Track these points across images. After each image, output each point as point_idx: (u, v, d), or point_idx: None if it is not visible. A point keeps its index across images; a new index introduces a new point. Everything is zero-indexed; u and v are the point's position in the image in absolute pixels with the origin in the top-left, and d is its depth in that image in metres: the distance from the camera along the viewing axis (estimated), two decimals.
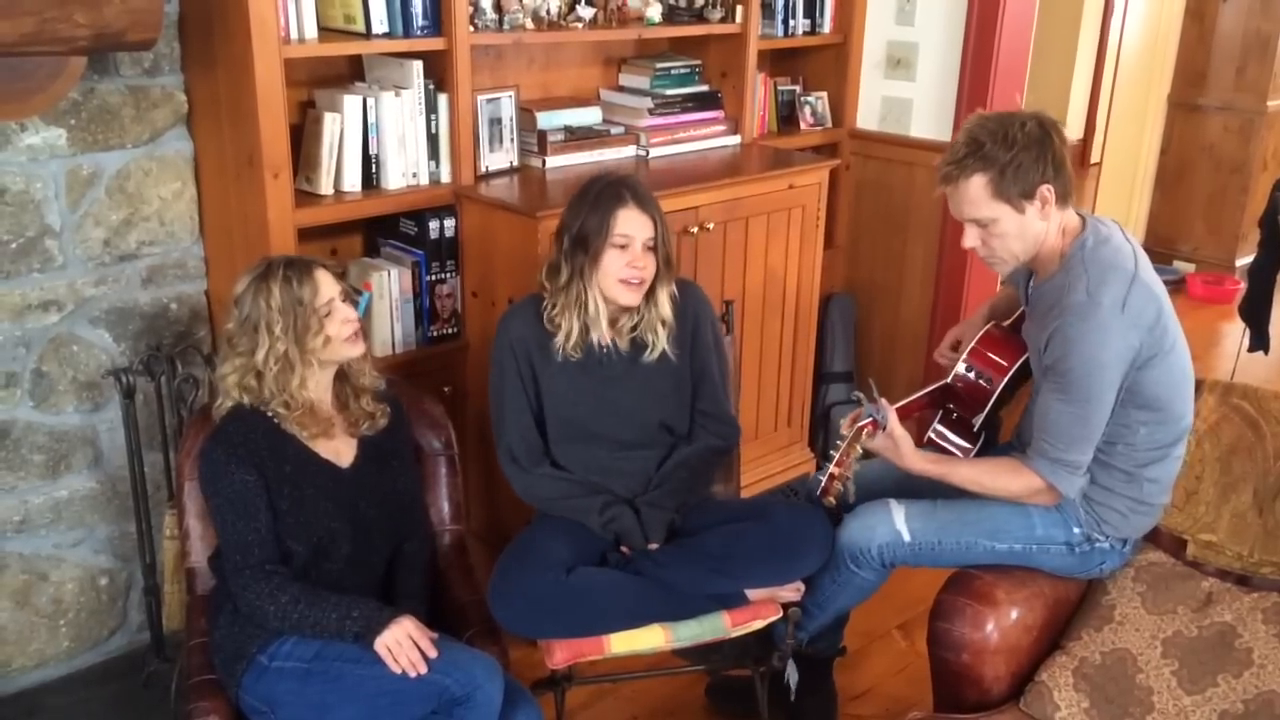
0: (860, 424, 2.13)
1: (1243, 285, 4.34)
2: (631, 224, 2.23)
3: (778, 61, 3.76)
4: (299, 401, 2.02)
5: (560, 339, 2.27)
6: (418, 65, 2.67)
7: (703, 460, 2.41)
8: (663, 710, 2.66)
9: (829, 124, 3.79)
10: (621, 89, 3.32)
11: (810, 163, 3.31)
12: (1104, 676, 2.06)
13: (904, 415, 2.21)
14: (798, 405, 3.53)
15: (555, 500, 2.31)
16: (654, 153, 3.20)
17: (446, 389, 2.81)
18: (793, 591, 2.26)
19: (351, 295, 2.17)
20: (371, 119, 2.66)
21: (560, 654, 2.17)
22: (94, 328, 2.54)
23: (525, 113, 3.00)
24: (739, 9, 3.30)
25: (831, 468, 2.14)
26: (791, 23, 3.57)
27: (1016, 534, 2.19)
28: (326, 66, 2.74)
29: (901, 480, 2.30)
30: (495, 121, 2.89)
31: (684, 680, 2.68)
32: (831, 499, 2.16)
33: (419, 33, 2.63)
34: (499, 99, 2.88)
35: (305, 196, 2.62)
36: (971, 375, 2.27)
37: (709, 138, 3.34)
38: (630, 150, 3.18)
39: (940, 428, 2.34)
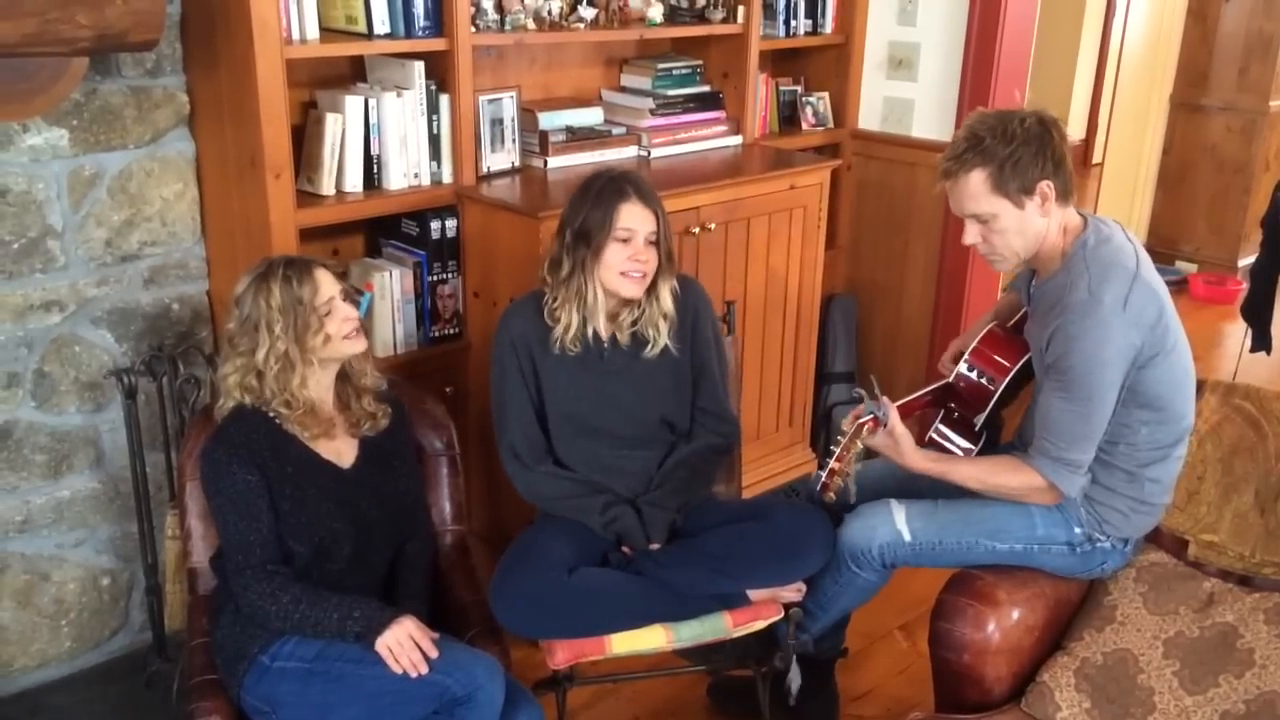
0: (861, 421, 2.12)
1: (1245, 286, 4.33)
2: (634, 218, 2.23)
3: (779, 62, 3.76)
4: (300, 401, 2.02)
5: (559, 331, 2.27)
6: (419, 66, 2.67)
7: (703, 460, 2.41)
8: (664, 710, 2.66)
9: (830, 124, 3.79)
10: (623, 89, 3.32)
11: (812, 163, 3.31)
12: (1105, 677, 2.06)
13: (905, 414, 2.21)
14: (799, 406, 3.53)
15: (557, 499, 2.31)
16: (655, 153, 3.20)
17: (448, 389, 2.81)
18: (794, 592, 2.26)
19: (352, 295, 2.17)
20: (373, 119, 2.66)
21: (562, 654, 2.17)
22: (96, 328, 2.54)
23: (527, 113, 3.00)
24: (740, 9, 3.30)
25: (832, 464, 2.14)
26: (793, 23, 3.57)
27: (1018, 534, 2.19)
28: (328, 67, 2.74)
29: (903, 481, 2.30)
30: (497, 122, 2.89)
31: (685, 680, 2.68)
32: (832, 495, 2.16)
33: (420, 33, 2.64)
34: (500, 99, 2.88)
35: (307, 197, 2.62)
36: (973, 375, 2.27)
37: (710, 138, 3.34)
38: (632, 150, 3.18)
39: (942, 427, 2.34)
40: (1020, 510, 2.18)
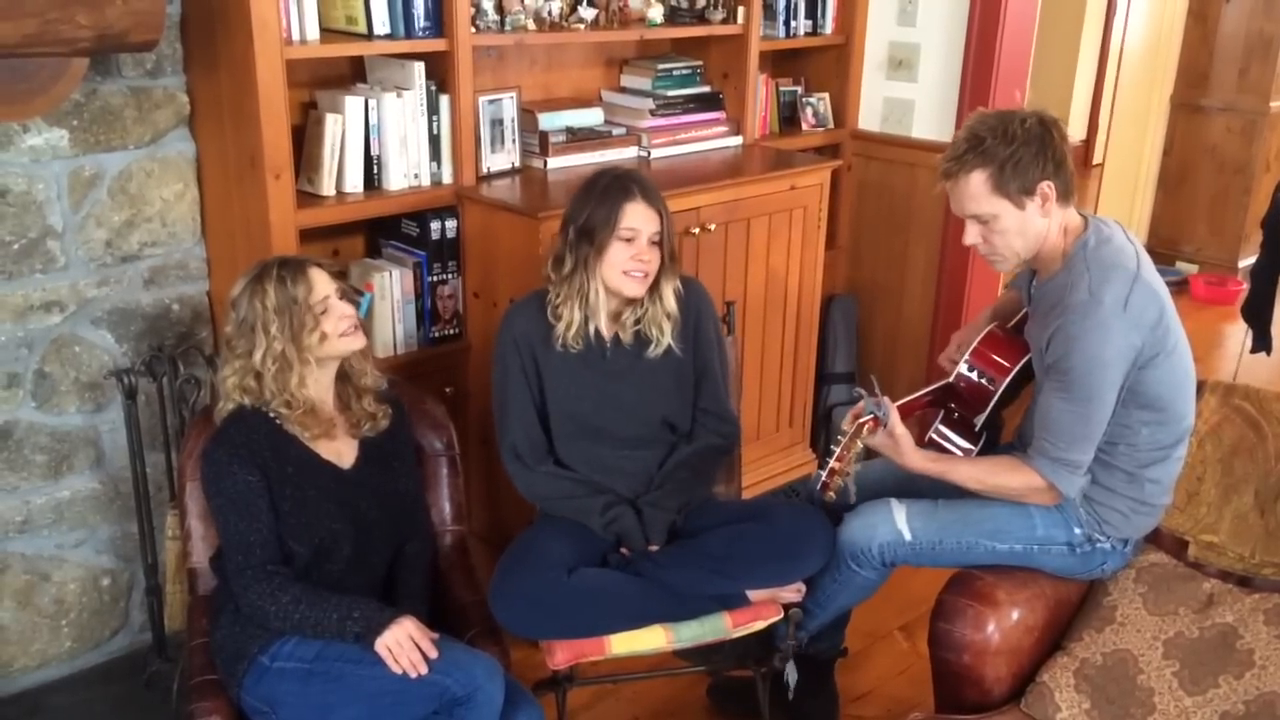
0: (861, 421, 2.12)
1: (1245, 286, 4.33)
2: (638, 218, 2.23)
3: (779, 62, 3.76)
4: (299, 401, 2.02)
5: (561, 328, 2.27)
6: (419, 66, 2.67)
7: (704, 460, 2.41)
8: (664, 711, 2.65)
9: (831, 125, 3.79)
10: (623, 90, 3.32)
11: (812, 164, 3.31)
12: (1105, 677, 2.06)
13: (905, 414, 2.21)
14: (799, 406, 3.53)
15: (557, 499, 2.31)
16: (655, 154, 3.20)
17: (448, 390, 2.81)
18: (794, 592, 2.26)
19: (349, 292, 2.17)
20: (373, 120, 2.66)
21: (561, 654, 2.17)
22: (96, 328, 2.55)
23: (527, 114, 3.00)
24: (740, 10, 3.31)
25: (832, 464, 2.13)
26: (793, 24, 3.57)
27: (1017, 534, 2.19)
28: (328, 67, 2.75)
29: (903, 480, 2.30)
30: (497, 122, 2.89)
31: (685, 681, 2.68)
32: (832, 495, 2.15)
33: (420, 34, 2.64)
34: (500, 100, 2.88)
35: (307, 197, 2.62)
36: (974, 375, 2.27)
37: (710, 139, 3.35)
38: (632, 151, 3.18)
39: (942, 427, 2.34)
40: (1020, 511, 2.18)
